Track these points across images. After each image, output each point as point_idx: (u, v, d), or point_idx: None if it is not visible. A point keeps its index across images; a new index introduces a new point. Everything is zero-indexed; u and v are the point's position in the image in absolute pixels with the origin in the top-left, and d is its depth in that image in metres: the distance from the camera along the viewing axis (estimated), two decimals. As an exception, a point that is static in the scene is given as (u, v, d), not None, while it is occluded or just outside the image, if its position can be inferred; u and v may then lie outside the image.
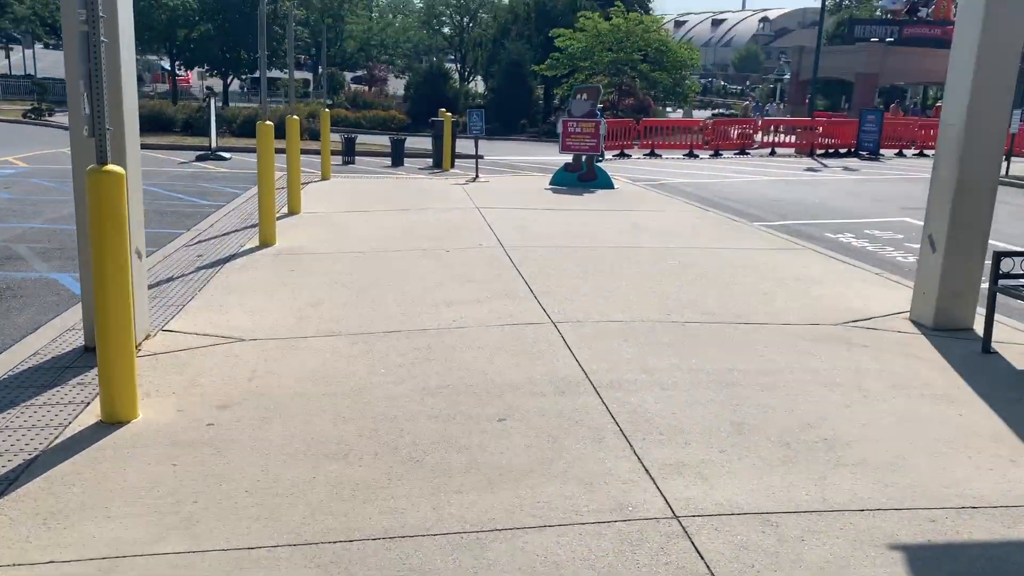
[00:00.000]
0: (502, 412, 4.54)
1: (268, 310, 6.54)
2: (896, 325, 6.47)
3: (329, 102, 44.05)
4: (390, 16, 76.83)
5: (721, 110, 64.95)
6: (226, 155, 19.95)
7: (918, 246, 11.06)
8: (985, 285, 6.06)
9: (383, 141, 23.73)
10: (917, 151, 28.11)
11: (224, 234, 9.89)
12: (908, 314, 6.67)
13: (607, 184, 15.43)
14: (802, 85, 50.85)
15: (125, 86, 5.19)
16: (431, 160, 20.83)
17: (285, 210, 11.41)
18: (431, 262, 8.36)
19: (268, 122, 9.04)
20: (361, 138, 28.81)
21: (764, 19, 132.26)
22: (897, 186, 18.02)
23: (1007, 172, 19.27)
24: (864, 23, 48.47)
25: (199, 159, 19.89)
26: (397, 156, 20.43)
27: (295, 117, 11.35)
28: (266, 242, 9.17)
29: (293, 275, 7.72)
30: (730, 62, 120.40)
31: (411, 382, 4.97)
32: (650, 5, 54.49)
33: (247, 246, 9.10)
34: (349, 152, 20.41)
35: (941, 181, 6.26)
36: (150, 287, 6.59)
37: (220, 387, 4.84)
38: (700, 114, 56.31)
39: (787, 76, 66.91)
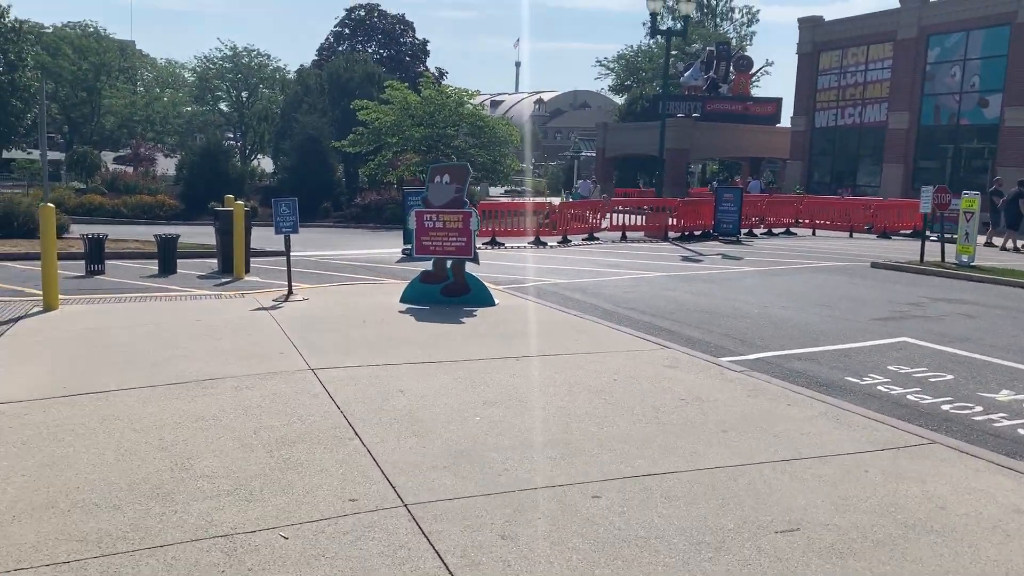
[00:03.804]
0: None
1: None
2: None
3: (82, 186, 36.58)
4: (157, 90, 68.99)
5: (515, 187, 63.12)
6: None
7: (1002, 397, 7.00)
8: None
9: (149, 234, 17.83)
10: (765, 229, 25.98)
11: None
12: None
13: (485, 299, 10.87)
14: (608, 162, 49.53)
15: None
16: (215, 263, 15.38)
17: (-66, 405, 5.85)
18: (255, 606, 3.33)
19: None
20: (121, 231, 22.51)
21: (539, 100, 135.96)
22: (817, 280, 14.82)
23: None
24: (667, 99, 47.93)
25: None
26: (167, 261, 14.75)
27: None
28: None
29: None
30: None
31: None
32: (443, 81, 51.48)
33: None
34: (96, 257, 14.48)
35: None
36: None
37: None
38: (495, 192, 53.75)
39: (584, 153, 66.47)
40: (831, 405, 6.43)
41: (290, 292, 11.53)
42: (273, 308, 10.45)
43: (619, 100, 72.54)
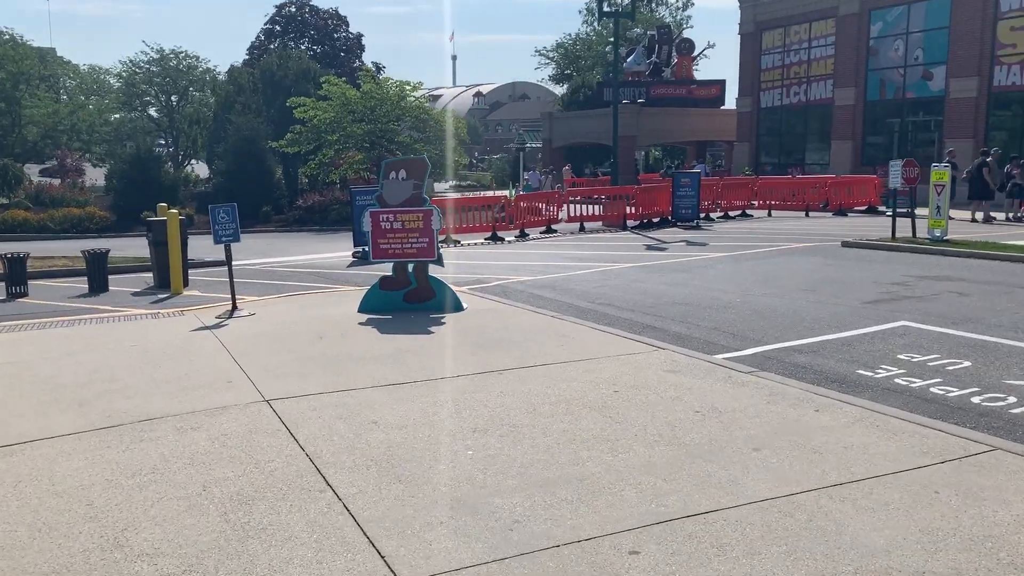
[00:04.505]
0: None
1: None
2: None
3: (4, 201, 34.56)
4: (82, 98, 66.12)
5: (459, 182, 62.04)
6: None
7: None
8: None
9: (78, 249, 16.48)
10: (722, 213, 25.53)
11: None
12: None
13: (452, 304, 10.01)
14: (555, 152, 48.87)
15: None
16: (151, 277, 14.20)
17: None
18: None
19: None
20: (48, 246, 21.07)
21: (478, 94, 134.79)
22: (791, 263, 14.25)
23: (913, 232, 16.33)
24: (617, 85, 47.38)
25: None
26: (97, 278, 13.55)
27: None
28: None
29: None
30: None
31: None
32: (380, 77, 50.37)
33: None
34: (17, 279, 13.21)
35: None
36: None
37: None
38: (440, 187, 52.68)
39: (529, 144, 65.73)
40: (863, 408, 5.72)
41: (234, 307, 10.50)
42: (217, 327, 9.44)
43: (560, 90, 71.87)
